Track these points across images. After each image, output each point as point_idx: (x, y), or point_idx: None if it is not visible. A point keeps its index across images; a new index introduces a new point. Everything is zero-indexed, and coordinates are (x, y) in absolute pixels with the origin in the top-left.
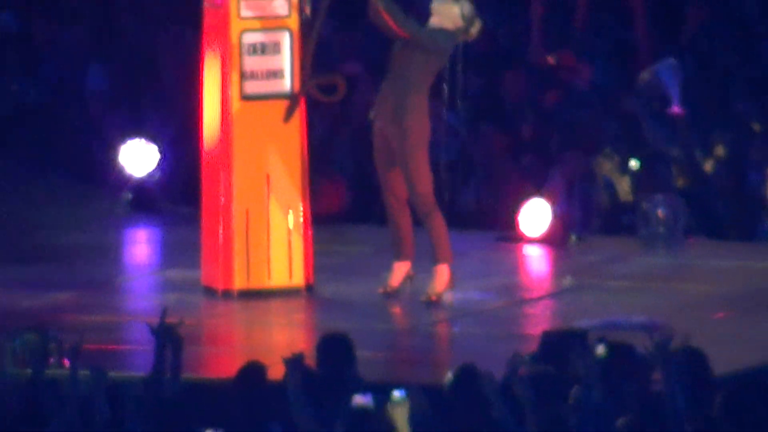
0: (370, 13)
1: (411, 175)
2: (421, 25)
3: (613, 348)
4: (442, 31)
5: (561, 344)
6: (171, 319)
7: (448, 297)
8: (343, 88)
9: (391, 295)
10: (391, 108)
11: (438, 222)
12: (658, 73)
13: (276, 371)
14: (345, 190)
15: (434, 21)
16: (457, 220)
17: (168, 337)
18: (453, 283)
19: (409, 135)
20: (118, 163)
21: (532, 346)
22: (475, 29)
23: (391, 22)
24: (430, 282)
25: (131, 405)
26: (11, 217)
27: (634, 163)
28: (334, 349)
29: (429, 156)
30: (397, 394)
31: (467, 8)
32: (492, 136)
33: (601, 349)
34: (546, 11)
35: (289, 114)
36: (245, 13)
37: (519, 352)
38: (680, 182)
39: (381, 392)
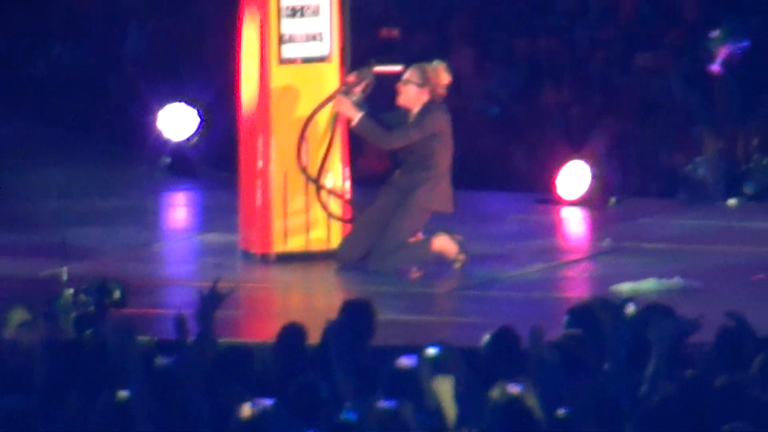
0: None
1: (397, 226)
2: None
3: (649, 310)
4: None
5: (593, 312)
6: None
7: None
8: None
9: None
10: (407, 187)
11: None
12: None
13: (315, 335)
14: (386, 154)
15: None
16: (497, 181)
17: (217, 304)
18: (459, 247)
19: (414, 203)
20: (157, 127)
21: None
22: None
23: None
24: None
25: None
26: (50, 181)
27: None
28: (355, 314)
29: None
30: (431, 350)
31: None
32: (533, 99)
33: (631, 309)
34: None
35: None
36: None
37: (540, 325)
38: (719, 144)
39: (418, 354)
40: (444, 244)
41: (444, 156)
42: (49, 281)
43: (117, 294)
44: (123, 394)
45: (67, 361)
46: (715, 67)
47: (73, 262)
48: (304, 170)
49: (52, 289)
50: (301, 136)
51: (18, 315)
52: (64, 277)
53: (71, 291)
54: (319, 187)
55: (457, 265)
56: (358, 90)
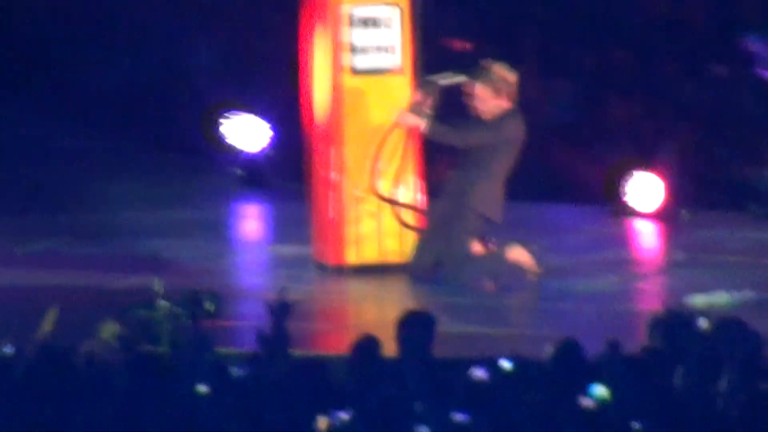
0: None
1: (457, 235)
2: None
3: (721, 323)
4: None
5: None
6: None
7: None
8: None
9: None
10: (462, 187)
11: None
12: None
13: (390, 347)
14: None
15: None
16: (568, 194)
17: (285, 315)
18: (534, 259)
19: (468, 206)
20: (229, 139)
21: (642, 323)
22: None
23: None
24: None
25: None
26: (124, 195)
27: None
28: (415, 326)
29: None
30: (506, 364)
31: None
32: (604, 110)
33: (704, 323)
34: None
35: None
36: None
37: (617, 338)
38: None
39: (491, 366)
40: (519, 255)
41: (504, 163)
42: (127, 293)
43: (210, 306)
44: (203, 388)
45: (144, 375)
46: (765, 72)
47: (149, 274)
48: (378, 196)
49: (130, 300)
50: (376, 160)
51: (109, 329)
52: (159, 289)
53: (167, 303)
54: (393, 204)
55: (532, 277)
56: (425, 108)
